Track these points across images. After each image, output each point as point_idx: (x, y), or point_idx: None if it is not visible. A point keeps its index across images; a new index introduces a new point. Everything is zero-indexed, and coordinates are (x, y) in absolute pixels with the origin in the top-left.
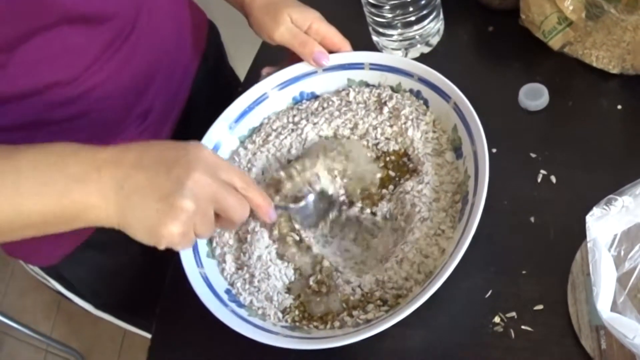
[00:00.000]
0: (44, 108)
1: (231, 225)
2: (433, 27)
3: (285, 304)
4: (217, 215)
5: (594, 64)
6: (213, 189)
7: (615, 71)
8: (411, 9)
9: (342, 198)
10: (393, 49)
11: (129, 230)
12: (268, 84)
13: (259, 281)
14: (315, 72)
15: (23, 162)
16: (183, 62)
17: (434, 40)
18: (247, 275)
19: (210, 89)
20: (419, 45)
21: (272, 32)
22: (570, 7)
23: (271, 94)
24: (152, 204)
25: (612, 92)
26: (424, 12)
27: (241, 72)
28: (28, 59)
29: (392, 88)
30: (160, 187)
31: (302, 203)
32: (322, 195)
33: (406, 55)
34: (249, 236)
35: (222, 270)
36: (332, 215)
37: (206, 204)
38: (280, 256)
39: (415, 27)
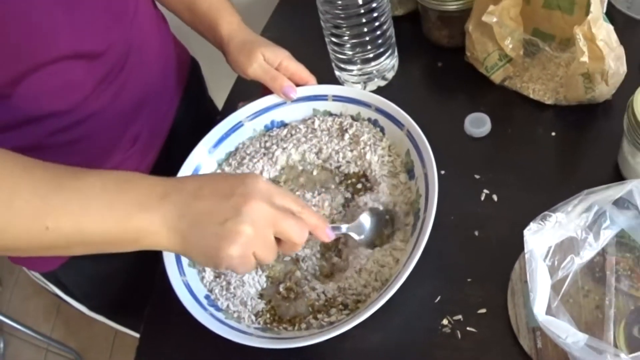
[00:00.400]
0: (44, 134)
1: (292, 247)
2: (389, 63)
3: (257, 308)
4: (279, 240)
5: (531, 96)
6: (270, 215)
7: (549, 102)
8: (369, 47)
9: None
10: (353, 82)
11: (189, 255)
12: (243, 114)
13: (234, 288)
14: (284, 103)
15: (91, 184)
16: (168, 94)
17: (390, 75)
18: (224, 283)
19: (191, 118)
20: (376, 80)
21: (246, 68)
22: (510, 46)
23: (245, 122)
24: (212, 229)
25: (546, 121)
26: (381, 49)
27: (219, 103)
28: (31, 91)
29: (352, 117)
30: (219, 214)
31: (356, 222)
32: (371, 213)
33: (365, 88)
34: None
35: (202, 279)
36: (386, 230)
37: (265, 229)
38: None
39: (373, 63)
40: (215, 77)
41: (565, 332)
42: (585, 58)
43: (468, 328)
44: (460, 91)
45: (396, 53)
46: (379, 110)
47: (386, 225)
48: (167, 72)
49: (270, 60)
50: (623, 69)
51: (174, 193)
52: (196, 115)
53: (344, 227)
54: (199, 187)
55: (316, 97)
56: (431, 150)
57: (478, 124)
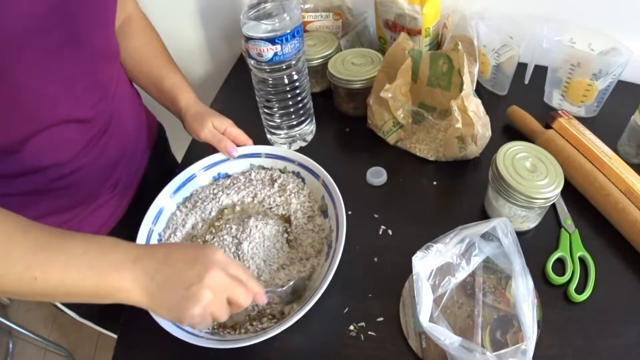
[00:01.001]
0: (46, 181)
1: (239, 308)
2: (308, 129)
3: None
4: (229, 302)
5: (418, 154)
6: (226, 282)
7: (432, 158)
8: (293, 116)
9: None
10: (281, 143)
11: (156, 311)
12: (196, 167)
13: None
14: (227, 160)
15: (75, 246)
16: (140, 150)
17: (309, 137)
18: None
19: (157, 169)
20: (298, 141)
21: (199, 132)
22: (402, 115)
23: (198, 174)
24: (178, 292)
25: (430, 173)
26: (302, 118)
27: (179, 157)
28: (36, 147)
29: (280, 170)
30: (185, 280)
31: (284, 288)
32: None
33: (290, 147)
34: None
35: None
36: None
37: (221, 294)
38: None
39: (296, 129)
40: (176, 138)
41: (444, 335)
42: (459, 125)
43: (369, 332)
44: (363, 150)
45: (314, 120)
46: (300, 165)
47: (304, 288)
48: (140, 134)
49: (218, 127)
50: (489, 133)
51: (146, 258)
52: (161, 167)
53: (276, 292)
54: (168, 254)
55: (252, 154)
56: (341, 195)
57: (377, 175)
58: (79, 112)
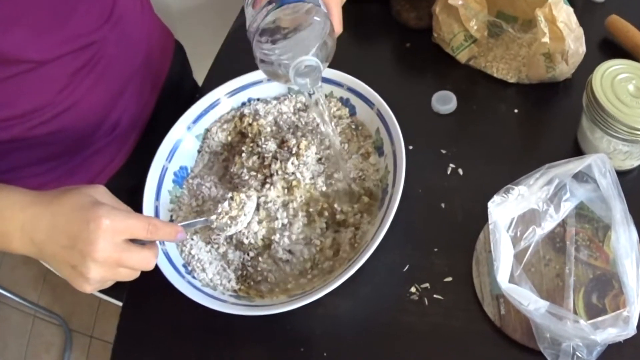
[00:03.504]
0: (23, 129)
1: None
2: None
3: (231, 276)
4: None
5: (495, 75)
6: (114, 257)
7: (512, 80)
8: None
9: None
10: None
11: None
12: (221, 91)
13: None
14: (260, 82)
15: None
16: (149, 80)
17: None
18: (198, 262)
19: (173, 101)
20: None
21: None
22: (475, 27)
23: (223, 99)
24: (66, 269)
25: (509, 98)
26: None
27: (200, 82)
28: (6, 94)
29: (325, 95)
30: (69, 259)
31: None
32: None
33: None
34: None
35: (181, 252)
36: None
37: (112, 268)
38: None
39: None
40: (198, 57)
41: (527, 299)
42: (546, 39)
43: (435, 295)
44: (427, 70)
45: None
46: (350, 90)
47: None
48: (151, 59)
49: None
50: (582, 49)
51: (31, 230)
52: (178, 99)
53: (196, 222)
54: (52, 225)
55: None
56: (399, 126)
57: (444, 102)
58: (55, 51)
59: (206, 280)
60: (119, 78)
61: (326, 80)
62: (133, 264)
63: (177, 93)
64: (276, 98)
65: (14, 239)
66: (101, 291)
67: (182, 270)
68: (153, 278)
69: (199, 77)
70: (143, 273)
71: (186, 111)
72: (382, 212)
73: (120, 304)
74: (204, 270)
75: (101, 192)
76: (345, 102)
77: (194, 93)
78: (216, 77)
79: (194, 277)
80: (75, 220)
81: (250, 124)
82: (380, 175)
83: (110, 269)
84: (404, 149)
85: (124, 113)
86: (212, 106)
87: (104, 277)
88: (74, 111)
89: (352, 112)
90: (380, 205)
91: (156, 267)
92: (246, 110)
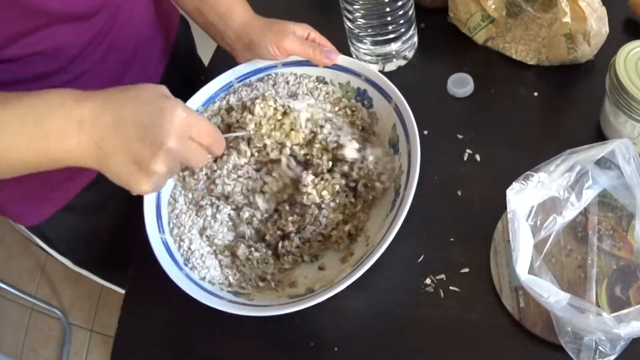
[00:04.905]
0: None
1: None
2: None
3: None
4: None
5: (514, 56)
6: (180, 156)
7: (532, 62)
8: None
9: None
10: (369, 61)
11: (108, 177)
12: (233, 75)
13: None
14: (275, 67)
15: (11, 116)
16: (155, 54)
17: (410, 53)
18: (196, 254)
19: (178, 77)
20: (395, 60)
21: (281, 43)
22: (493, 6)
23: (236, 84)
24: (128, 166)
25: (529, 81)
26: (400, 29)
27: (206, 60)
28: (20, 53)
29: (340, 85)
30: (135, 153)
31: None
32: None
33: (383, 68)
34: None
35: (179, 247)
36: None
37: (175, 163)
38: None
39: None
40: (203, 36)
41: (547, 291)
42: (567, 18)
43: (451, 287)
44: (443, 52)
45: (415, 28)
46: (368, 81)
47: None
48: (156, 32)
49: (301, 34)
50: (605, 29)
51: (92, 124)
52: (183, 75)
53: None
54: (116, 119)
55: (304, 62)
56: (413, 111)
57: (461, 84)
58: (73, 5)
59: (208, 277)
60: (126, 51)
61: (344, 69)
62: (192, 163)
63: (181, 69)
64: (260, 79)
65: (71, 136)
66: (103, 277)
67: (181, 261)
68: (154, 268)
69: (204, 55)
70: (147, 265)
71: (195, 93)
72: (398, 200)
73: (122, 291)
74: (206, 267)
75: (167, 90)
76: (362, 94)
77: (199, 70)
78: (222, 57)
79: (192, 270)
80: (146, 112)
81: (238, 120)
82: (395, 174)
83: (174, 163)
84: (417, 134)
85: (132, 83)
86: (224, 89)
87: (169, 169)
88: (82, 80)
89: (370, 105)
90: (396, 192)
91: (157, 262)
92: (232, 99)
